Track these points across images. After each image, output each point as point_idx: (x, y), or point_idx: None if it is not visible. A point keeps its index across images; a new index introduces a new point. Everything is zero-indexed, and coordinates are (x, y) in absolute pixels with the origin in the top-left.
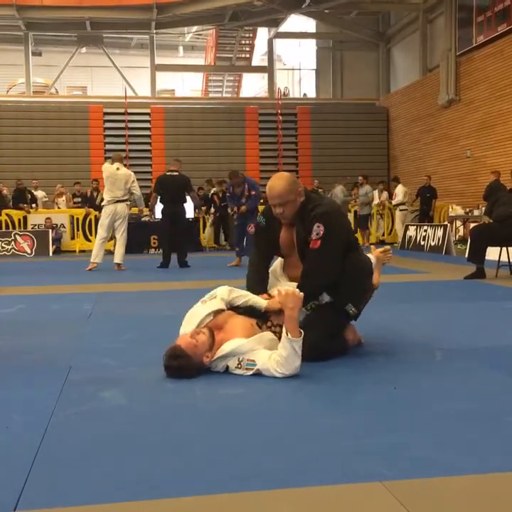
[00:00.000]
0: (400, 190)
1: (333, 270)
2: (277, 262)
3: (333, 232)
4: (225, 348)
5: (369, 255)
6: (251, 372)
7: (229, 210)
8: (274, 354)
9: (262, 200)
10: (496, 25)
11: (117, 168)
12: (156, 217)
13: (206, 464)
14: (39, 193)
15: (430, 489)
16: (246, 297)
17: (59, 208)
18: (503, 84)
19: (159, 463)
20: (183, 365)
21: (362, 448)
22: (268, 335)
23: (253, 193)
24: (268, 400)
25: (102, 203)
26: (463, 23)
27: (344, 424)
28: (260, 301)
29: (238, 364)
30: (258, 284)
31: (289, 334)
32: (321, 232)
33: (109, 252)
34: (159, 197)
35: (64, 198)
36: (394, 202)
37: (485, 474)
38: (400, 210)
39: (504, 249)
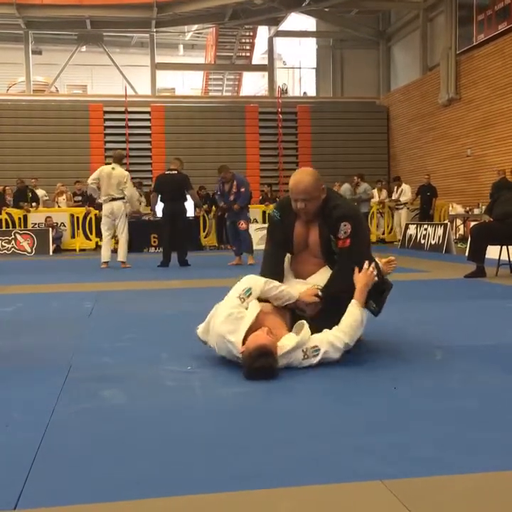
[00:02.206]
0: (407, 189)
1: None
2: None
3: (359, 228)
4: (288, 343)
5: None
6: (317, 360)
7: (221, 205)
8: (333, 332)
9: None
10: (497, 24)
11: (113, 168)
12: (157, 216)
13: (206, 463)
14: (39, 192)
15: (431, 488)
16: (279, 288)
17: (59, 206)
18: (503, 83)
19: (159, 463)
20: (273, 363)
21: (362, 447)
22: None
23: (242, 189)
24: (268, 400)
25: (100, 201)
26: (463, 21)
27: (344, 423)
28: (292, 292)
29: (304, 355)
30: (274, 275)
31: (359, 304)
32: (349, 231)
33: (113, 251)
34: (159, 196)
35: (64, 196)
36: (402, 199)
37: (485, 473)
38: (409, 209)
39: (504, 247)
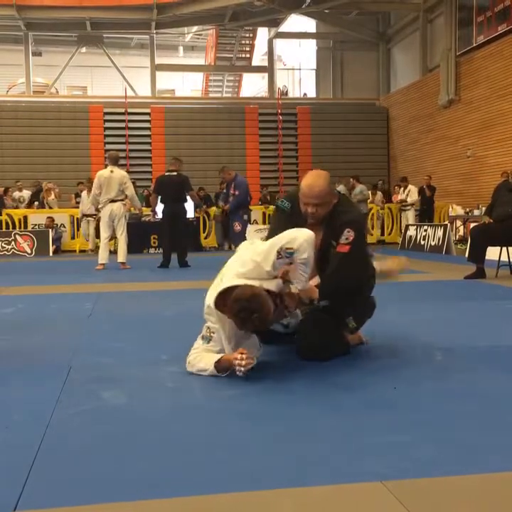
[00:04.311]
0: (414, 189)
1: (359, 276)
2: None
3: (362, 240)
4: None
5: (376, 263)
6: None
7: (221, 205)
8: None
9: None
10: (496, 25)
11: (111, 171)
12: (158, 217)
13: (206, 463)
14: (25, 194)
15: (430, 489)
16: (304, 270)
17: (50, 207)
18: (503, 84)
19: (159, 463)
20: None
21: (362, 448)
22: None
23: (236, 192)
24: (267, 400)
25: (99, 206)
26: (463, 23)
27: (344, 424)
28: (298, 283)
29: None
30: None
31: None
32: (351, 238)
33: (112, 252)
34: (159, 197)
35: (53, 194)
36: (409, 200)
37: (485, 474)
38: (415, 210)
39: (504, 248)
